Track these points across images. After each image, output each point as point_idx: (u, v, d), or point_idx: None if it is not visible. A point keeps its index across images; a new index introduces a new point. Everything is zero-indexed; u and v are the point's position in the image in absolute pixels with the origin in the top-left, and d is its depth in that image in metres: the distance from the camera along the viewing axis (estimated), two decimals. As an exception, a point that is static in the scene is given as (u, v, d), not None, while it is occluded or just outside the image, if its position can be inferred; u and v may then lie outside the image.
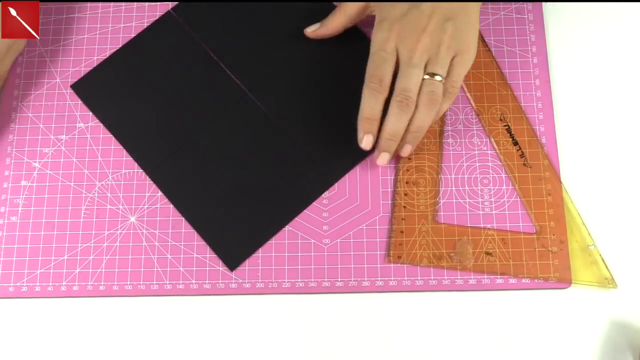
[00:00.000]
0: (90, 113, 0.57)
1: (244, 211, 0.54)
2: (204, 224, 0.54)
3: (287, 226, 0.54)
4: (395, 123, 0.51)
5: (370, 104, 0.51)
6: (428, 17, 0.51)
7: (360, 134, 0.52)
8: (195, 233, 0.54)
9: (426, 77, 0.51)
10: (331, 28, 0.57)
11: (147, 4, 0.60)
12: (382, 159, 0.52)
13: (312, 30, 0.57)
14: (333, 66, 0.57)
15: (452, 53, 0.51)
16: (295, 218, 0.54)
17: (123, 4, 0.60)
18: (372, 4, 0.54)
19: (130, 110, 0.57)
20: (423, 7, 0.51)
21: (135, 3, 0.60)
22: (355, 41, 0.57)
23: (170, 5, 0.60)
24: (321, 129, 0.56)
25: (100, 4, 0.60)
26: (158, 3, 0.60)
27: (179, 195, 0.55)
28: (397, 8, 0.52)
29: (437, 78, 0.51)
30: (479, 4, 0.53)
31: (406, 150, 0.53)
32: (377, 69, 0.51)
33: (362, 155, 0.54)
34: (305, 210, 0.54)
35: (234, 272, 0.53)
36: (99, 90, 0.57)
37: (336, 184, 0.55)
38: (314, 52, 0.57)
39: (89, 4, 0.60)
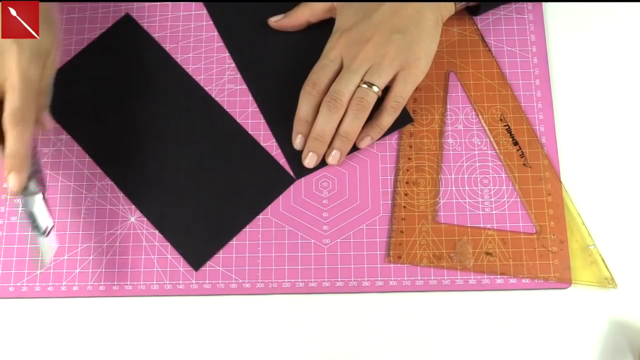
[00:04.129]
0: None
1: (207, 211, 0.54)
2: (167, 225, 0.54)
3: (286, 226, 0.54)
4: (322, 123, 0.52)
5: (303, 106, 0.53)
6: (376, 28, 0.51)
7: (293, 134, 0.53)
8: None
9: (363, 85, 0.51)
10: (294, 21, 0.56)
11: (147, 4, 0.60)
12: (310, 160, 0.53)
13: (275, 20, 0.57)
14: (297, 62, 0.56)
15: (396, 66, 0.51)
16: (295, 218, 0.54)
17: (123, 4, 0.60)
18: (337, 7, 0.55)
19: (90, 114, 0.57)
20: (373, 18, 0.51)
21: (135, 3, 0.60)
22: None
23: (148, 6, 0.60)
24: (283, 128, 0.55)
25: (100, 4, 0.60)
26: (158, 3, 0.60)
27: (142, 197, 0.54)
28: (351, 18, 0.52)
29: (374, 88, 0.51)
30: (437, 20, 0.53)
31: (334, 157, 0.53)
32: (315, 74, 0.52)
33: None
34: (305, 210, 0.54)
35: (233, 272, 0.53)
36: (60, 96, 0.57)
37: (336, 184, 0.55)
38: (278, 51, 0.58)
39: (89, 4, 0.60)
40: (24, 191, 0.48)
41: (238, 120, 0.56)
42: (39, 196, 0.50)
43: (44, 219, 0.49)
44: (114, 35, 0.59)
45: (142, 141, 0.56)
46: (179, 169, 0.55)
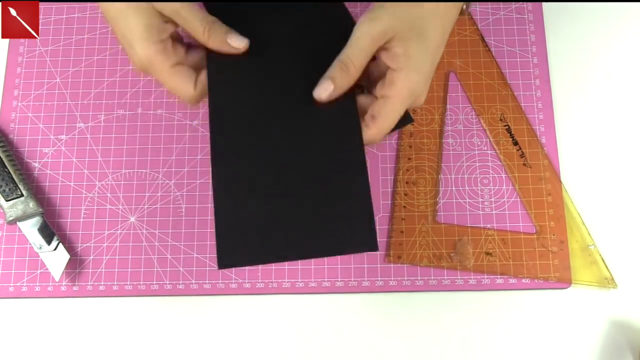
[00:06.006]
0: (91, 113, 0.57)
1: (276, 220, 0.43)
2: (230, 207, 0.43)
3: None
4: None
5: None
6: None
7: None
8: (195, 232, 0.54)
9: None
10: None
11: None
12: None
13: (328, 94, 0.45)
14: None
15: None
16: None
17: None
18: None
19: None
20: None
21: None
22: None
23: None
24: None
25: (99, 4, 0.60)
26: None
27: (227, 158, 0.45)
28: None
29: None
30: None
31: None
32: None
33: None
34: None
35: (233, 272, 0.53)
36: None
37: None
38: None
39: (88, 4, 0.60)
40: (24, 214, 0.53)
41: None
42: (40, 217, 0.53)
43: (50, 235, 0.53)
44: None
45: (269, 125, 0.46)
46: (278, 162, 0.45)
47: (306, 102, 0.46)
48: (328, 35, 0.48)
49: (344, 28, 0.47)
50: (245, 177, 0.45)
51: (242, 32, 0.48)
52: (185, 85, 0.45)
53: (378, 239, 0.42)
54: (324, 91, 0.44)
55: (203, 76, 0.46)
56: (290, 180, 0.45)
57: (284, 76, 0.48)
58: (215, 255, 0.43)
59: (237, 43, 0.46)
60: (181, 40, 0.47)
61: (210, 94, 0.46)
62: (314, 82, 0.45)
